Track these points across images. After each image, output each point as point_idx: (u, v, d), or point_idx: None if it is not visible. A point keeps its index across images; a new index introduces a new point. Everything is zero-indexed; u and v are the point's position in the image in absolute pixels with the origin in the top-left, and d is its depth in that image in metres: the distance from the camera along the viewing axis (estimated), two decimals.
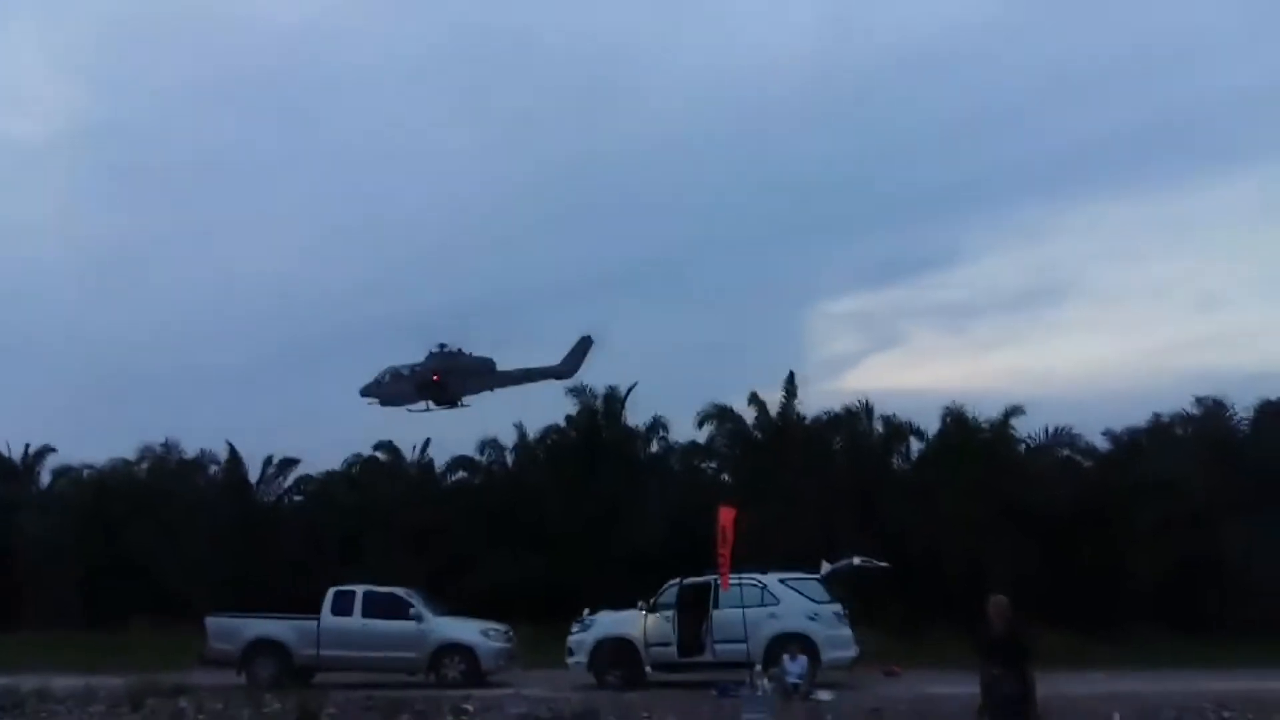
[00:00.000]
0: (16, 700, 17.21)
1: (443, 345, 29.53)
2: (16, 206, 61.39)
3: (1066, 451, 32.15)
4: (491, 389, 30.10)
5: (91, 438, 37.77)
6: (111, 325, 55.25)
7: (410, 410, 30.60)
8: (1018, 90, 60.06)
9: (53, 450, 36.02)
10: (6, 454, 35.91)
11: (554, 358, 30.96)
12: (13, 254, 58.67)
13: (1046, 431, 31.68)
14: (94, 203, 62.24)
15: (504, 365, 30.13)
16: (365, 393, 30.24)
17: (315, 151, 62.25)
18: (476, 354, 29.56)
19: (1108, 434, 31.61)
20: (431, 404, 29.82)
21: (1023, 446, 32.01)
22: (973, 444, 30.83)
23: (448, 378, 29.20)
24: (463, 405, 30.37)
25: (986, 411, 31.32)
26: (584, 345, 29.71)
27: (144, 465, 35.41)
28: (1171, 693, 16.38)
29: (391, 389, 29.84)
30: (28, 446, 35.98)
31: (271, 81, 63.99)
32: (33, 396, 45.73)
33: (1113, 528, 27.94)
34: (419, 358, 29.82)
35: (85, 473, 35.63)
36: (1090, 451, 31.94)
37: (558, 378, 30.32)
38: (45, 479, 36.28)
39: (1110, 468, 30.97)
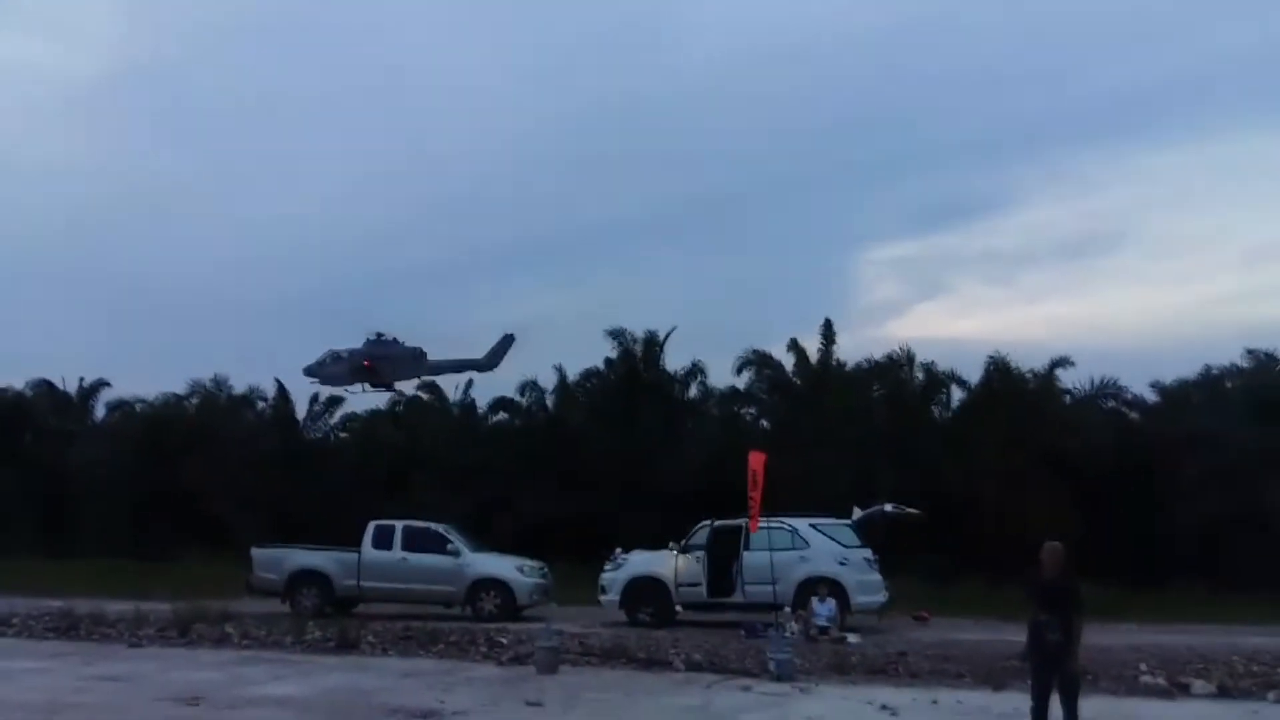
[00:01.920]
0: (72, 622, 17.92)
1: (379, 334, 31.44)
2: (70, 141, 62.34)
3: (1112, 403, 31.67)
4: (420, 377, 32.42)
5: (144, 372, 38.81)
6: (162, 262, 56.30)
7: (347, 391, 32.97)
8: (1071, 35, 58.39)
9: (107, 384, 36.97)
10: (62, 387, 36.92)
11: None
12: (67, 190, 59.77)
13: (1092, 382, 31.28)
14: (142, 141, 63.08)
15: (434, 356, 32.16)
16: (308, 372, 32.11)
17: (359, 92, 62.28)
18: (409, 344, 31.48)
19: (1155, 386, 31.12)
20: (367, 386, 31.74)
21: (1067, 398, 31.57)
22: (1015, 394, 30.45)
23: (380, 364, 31.09)
24: (395, 391, 32.84)
25: (1032, 362, 30.97)
26: (506, 342, 31.79)
27: (194, 400, 36.22)
28: (1202, 645, 16.27)
29: (330, 370, 31.71)
30: (82, 380, 36.97)
31: (313, 21, 63.94)
32: (87, 332, 47.11)
33: (1155, 481, 27.50)
34: (358, 343, 31.62)
35: (138, 407, 36.53)
36: (1137, 404, 31.44)
37: (479, 370, 32.54)
38: (100, 412, 37.25)
39: (1156, 420, 30.44)
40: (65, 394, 36.93)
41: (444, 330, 41.48)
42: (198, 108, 62.20)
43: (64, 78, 60.72)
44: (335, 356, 31.28)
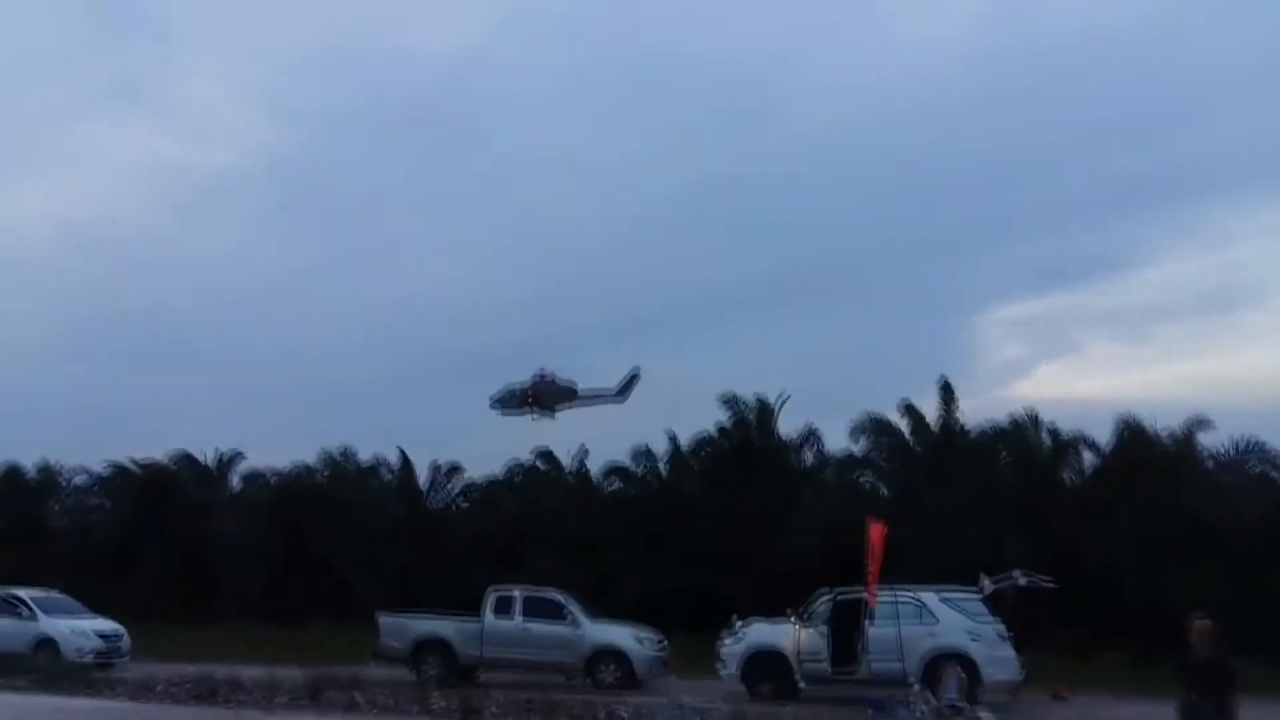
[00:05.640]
0: (211, 688, 18.62)
1: (542, 370, 36.52)
2: (208, 231, 66.32)
3: (1258, 466, 29.92)
4: (572, 406, 36.90)
5: (277, 444, 40.50)
6: (293, 340, 58.90)
7: (518, 417, 37.34)
8: (1203, 83, 56.23)
9: (242, 456, 38.44)
10: (202, 460, 38.70)
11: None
12: (207, 275, 63.36)
13: (1235, 445, 29.61)
14: (275, 227, 66.58)
15: (584, 390, 36.96)
16: (494, 402, 36.83)
17: (477, 176, 64.59)
18: (564, 378, 36.65)
19: None
20: (537, 415, 36.75)
21: (1209, 461, 29.98)
22: (1152, 458, 29.07)
23: (542, 395, 36.30)
24: (554, 418, 37.08)
25: (1167, 423, 29.53)
26: (634, 378, 36.01)
27: (324, 471, 37.52)
28: None
29: (509, 401, 36.93)
30: (220, 452, 38.69)
31: (428, 110, 66.83)
32: (224, 407, 49.45)
33: None
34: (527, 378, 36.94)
35: (271, 477, 38.00)
36: None
37: (613, 401, 36.41)
38: (235, 483, 38.74)
39: None
40: (204, 466, 38.65)
41: None
42: (319, 198, 65.44)
43: (203, 171, 64.88)
44: (511, 391, 36.40)
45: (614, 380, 36.65)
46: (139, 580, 33.07)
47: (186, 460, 38.47)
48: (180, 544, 34.44)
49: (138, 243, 64.74)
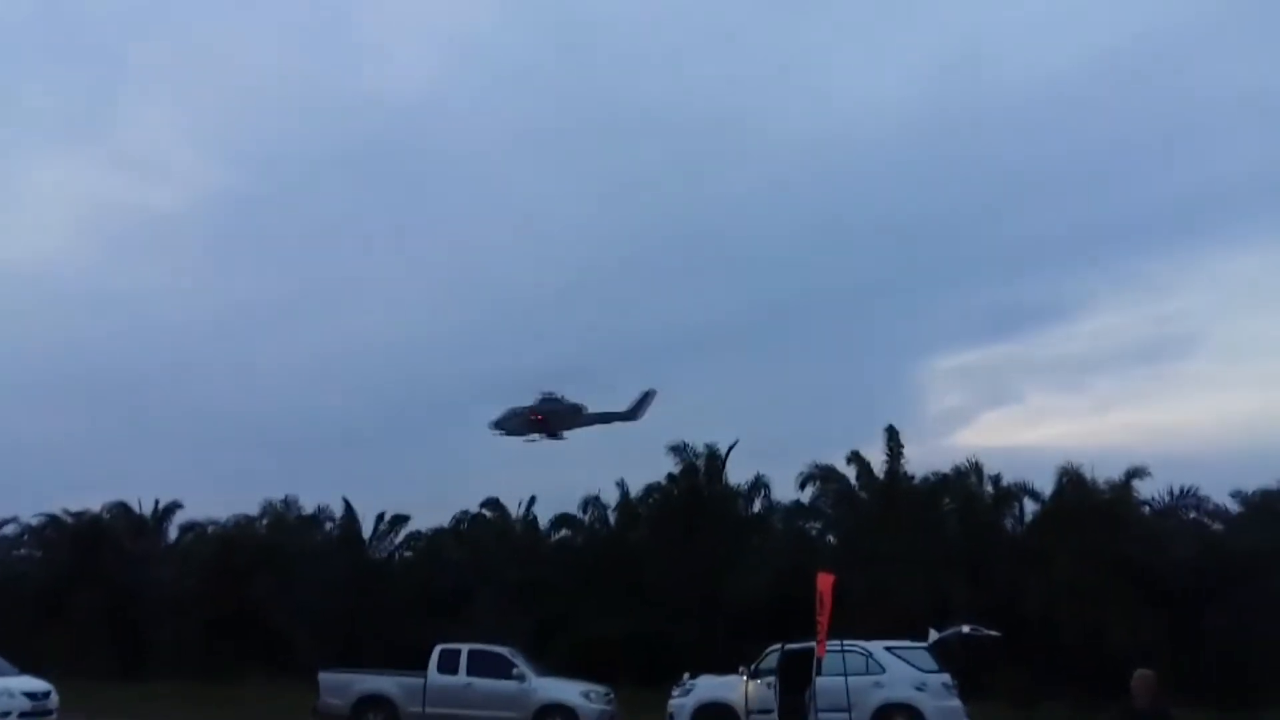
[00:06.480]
0: None
1: (549, 392, 36.35)
2: (149, 272, 65.22)
3: (1193, 514, 30.65)
4: (580, 427, 36.84)
5: (218, 494, 39.58)
6: (235, 387, 57.89)
7: (525, 440, 37.50)
8: (1134, 138, 58.37)
9: (180, 506, 37.55)
10: (138, 510, 37.67)
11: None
12: (146, 318, 62.20)
13: (1171, 493, 30.33)
14: (220, 270, 65.71)
15: (592, 411, 37.21)
16: (493, 426, 36.72)
17: (426, 220, 64.54)
18: (570, 400, 36.61)
19: (1237, 495, 30.09)
20: (540, 437, 36.59)
21: (1146, 508, 30.61)
22: (1091, 505, 29.60)
23: (548, 417, 36.13)
24: (562, 439, 37.26)
25: (1106, 471, 30.12)
26: (648, 397, 35.91)
27: (265, 521, 36.72)
28: None
29: (511, 424, 36.92)
30: (157, 502, 37.59)
31: (378, 154, 66.79)
32: (163, 454, 48.32)
33: (1245, 596, 26.33)
34: (531, 401, 37.13)
35: (210, 528, 37.06)
36: (1219, 514, 30.36)
37: (625, 421, 36.39)
38: (173, 534, 37.79)
39: (1241, 531, 29.32)
40: (140, 516, 37.65)
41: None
42: (270, 238, 64.96)
43: (145, 211, 63.96)
44: (514, 412, 36.26)
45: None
46: (69, 633, 31.89)
47: (122, 510, 37.47)
48: (113, 596, 33.46)
49: (73, 282, 63.57)
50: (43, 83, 69.43)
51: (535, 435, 36.90)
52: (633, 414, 36.10)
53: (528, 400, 37.17)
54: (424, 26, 70.49)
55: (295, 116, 68.25)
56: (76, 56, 69.12)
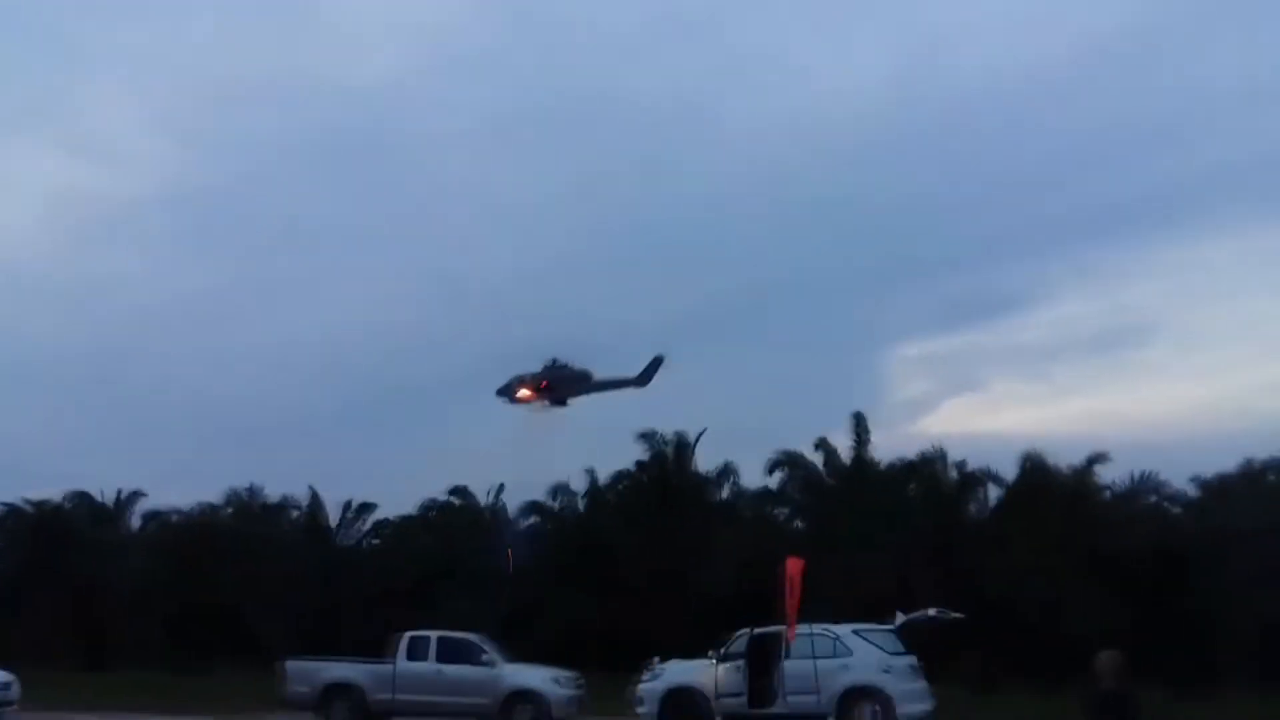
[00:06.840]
0: None
1: (554, 359, 34.69)
2: (111, 260, 64.14)
3: (1153, 498, 31.23)
4: (588, 394, 35.04)
5: (181, 483, 39.11)
6: (198, 375, 56.91)
7: (530, 410, 35.44)
8: (1098, 131, 58.94)
9: (143, 495, 37.16)
10: (99, 498, 37.19)
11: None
12: (107, 306, 61.22)
13: (1131, 478, 30.88)
14: (182, 258, 64.74)
15: (600, 376, 35.08)
16: (498, 394, 34.86)
17: (391, 206, 63.97)
18: (577, 366, 34.80)
19: (1196, 480, 30.56)
20: (546, 404, 34.80)
21: (1106, 494, 31.14)
22: (1053, 491, 30.07)
23: (555, 384, 34.40)
24: (567, 406, 35.29)
25: (1068, 458, 30.62)
26: (657, 362, 34.05)
27: (229, 510, 36.40)
28: None
29: (516, 390, 34.98)
30: (120, 491, 37.20)
31: (345, 143, 65.99)
32: (124, 442, 47.62)
33: (1204, 579, 26.86)
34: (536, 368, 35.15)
35: (173, 517, 36.71)
36: (1178, 499, 30.97)
37: (634, 387, 34.61)
38: (135, 522, 37.40)
39: (1199, 515, 29.90)
40: (102, 505, 37.20)
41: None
42: (232, 227, 64.03)
43: (108, 199, 62.74)
44: (520, 379, 34.46)
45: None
46: (31, 624, 31.46)
47: (83, 499, 36.97)
48: (75, 586, 33.02)
49: (34, 269, 62.44)
50: (1, 68, 67.80)
51: (541, 403, 35.40)
52: (642, 380, 34.50)
53: (534, 367, 35.18)
54: (390, 13, 69.61)
55: (260, 104, 67.16)
56: (37, 41, 67.56)
